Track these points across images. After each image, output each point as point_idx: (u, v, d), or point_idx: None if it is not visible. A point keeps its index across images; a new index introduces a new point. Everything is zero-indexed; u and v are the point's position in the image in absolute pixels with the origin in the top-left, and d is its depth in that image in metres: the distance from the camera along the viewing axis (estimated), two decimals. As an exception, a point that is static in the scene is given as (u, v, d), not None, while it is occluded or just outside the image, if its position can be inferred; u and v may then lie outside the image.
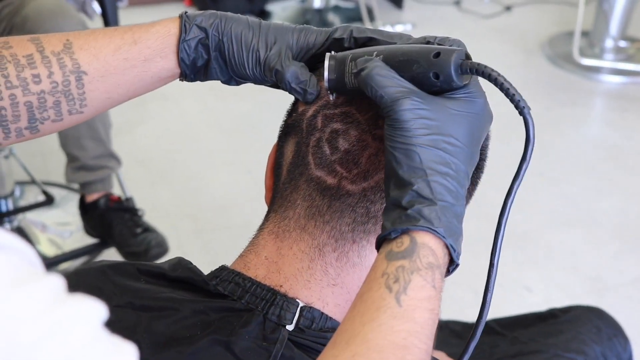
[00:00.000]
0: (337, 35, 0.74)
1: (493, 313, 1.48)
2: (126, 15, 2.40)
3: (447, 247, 0.61)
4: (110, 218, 2.13)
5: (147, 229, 2.13)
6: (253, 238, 0.78)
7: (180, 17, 0.76)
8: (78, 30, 1.99)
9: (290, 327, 0.71)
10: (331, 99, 0.72)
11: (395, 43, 0.72)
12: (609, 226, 2.51)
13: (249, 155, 2.84)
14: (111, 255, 2.29)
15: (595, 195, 2.67)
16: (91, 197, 2.16)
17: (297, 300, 0.72)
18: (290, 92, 0.75)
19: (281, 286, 0.73)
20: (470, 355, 0.65)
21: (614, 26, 3.60)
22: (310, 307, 0.72)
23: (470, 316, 1.42)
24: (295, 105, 0.78)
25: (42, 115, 0.74)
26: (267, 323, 0.71)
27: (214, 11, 0.77)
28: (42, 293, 0.44)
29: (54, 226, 2.44)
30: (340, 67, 0.70)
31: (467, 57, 0.65)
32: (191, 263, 0.78)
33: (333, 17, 4.14)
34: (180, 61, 0.76)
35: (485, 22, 4.13)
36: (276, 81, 0.75)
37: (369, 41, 0.74)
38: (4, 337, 0.41)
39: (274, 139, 0.80)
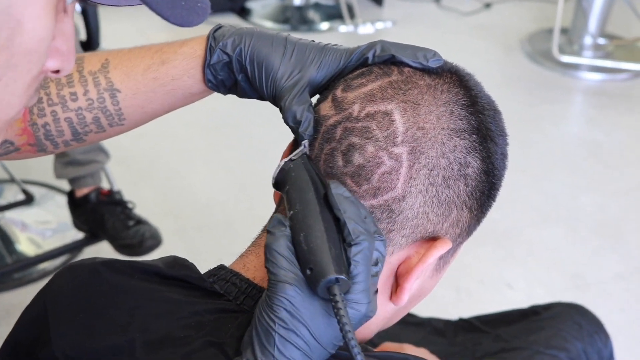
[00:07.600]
0: (362, 53, 0.74)
1: (475, 310, 1.49)
2: (108, 10, 2.39)
3: None
4: (102, 212, 2.12)
5: (140, 221, 2.12)
6: (256, 238, 0.77)
7: (208, 37, 0.77)
8: None
9: None
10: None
11: (419, 61, 0.72)
12: (589, 223, 2.52)
13: (228, 153, 2.83)
14: (91, 254, 2.27)
15: (576, 191, 2.69)
16: (81, 192, 2.14)
17: None
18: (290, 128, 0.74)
19: None
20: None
21: (593, 23, 3.63)
22: None
23: (452, 314, 1.43)
24: (317, 105, 0.76)
25: (84, 130, 0.80)
26: None
27: (240, 30, 0.77)
28: None
29: (34, 225, 2.42)
30: (282, 178, 0.71)
31: (341, 275, 0.63)
32: (187, 261, 0.77)
33: (313, 14, 4.13)
34: (207, 82, 0.78)
35: (465, 20, 4.15)
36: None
37: (391, 58, 0.73)
38: None
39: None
